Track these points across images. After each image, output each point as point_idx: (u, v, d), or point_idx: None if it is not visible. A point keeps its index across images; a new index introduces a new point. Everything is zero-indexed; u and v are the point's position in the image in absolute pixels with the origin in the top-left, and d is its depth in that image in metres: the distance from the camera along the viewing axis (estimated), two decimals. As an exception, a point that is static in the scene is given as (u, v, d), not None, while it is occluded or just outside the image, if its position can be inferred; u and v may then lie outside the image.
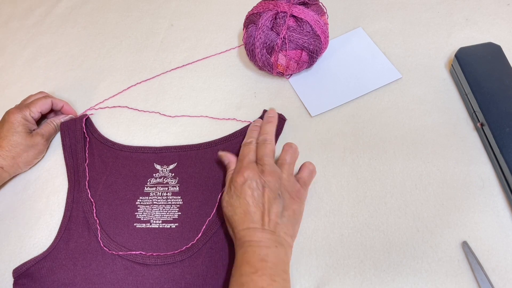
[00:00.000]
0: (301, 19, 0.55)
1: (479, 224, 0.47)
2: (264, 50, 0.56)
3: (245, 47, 0.59)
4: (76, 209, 0.53)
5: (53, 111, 0.62)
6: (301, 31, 0.55)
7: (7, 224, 0.55)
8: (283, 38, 0.54)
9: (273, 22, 0.55)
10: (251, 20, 0.57)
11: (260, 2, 0.58)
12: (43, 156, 0.60)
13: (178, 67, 0.66)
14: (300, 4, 0.56)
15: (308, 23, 0.55)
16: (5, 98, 0.68)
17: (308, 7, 0.56)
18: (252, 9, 0.59)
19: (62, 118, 0.61)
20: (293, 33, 0.54)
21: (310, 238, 0.49)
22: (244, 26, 0.59)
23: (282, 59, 0.56)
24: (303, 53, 0.56)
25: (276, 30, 0.55)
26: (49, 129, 0.60)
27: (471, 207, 0.48)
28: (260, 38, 0.55)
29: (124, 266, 0.49)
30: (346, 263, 0.47)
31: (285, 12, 0.55)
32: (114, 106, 0.63)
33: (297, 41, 0.54)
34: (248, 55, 0.59)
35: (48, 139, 0.60)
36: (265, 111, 0.58)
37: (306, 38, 0.55)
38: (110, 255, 0.50)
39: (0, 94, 0.69)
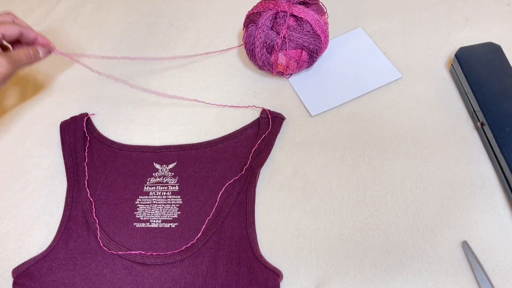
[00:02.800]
0: (301, 18, 0.55)
1: (479, 223, 0.47)
2: (264, 50, 0.56)
3: (245, 47, 0.59)
4: (75, 208, 0.53)
5: (20, 42, 0.52)
6: (301, 30, 0.55)
7: (6, 224, 0.55)
8: (283, 37, 0.54)
9: (273, 21, 0.55)
10: (251, 19, 0.57)
11: (260, 2, 0.58)
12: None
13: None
14: (300, 3, 0.56)
15: (308, 22, 0.55)
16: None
17: (308, 7, 0.56)
18: (252, 8, 0.59)
19: (39, 49, 0.53)
20: (293, 33, 0.54)
21: (310, 238, 0.49)
22: (244, 25, 0.59)
23: (282, 59, 0.56)
24: (303, 53, 0.56)
25: (276, 30, 0.55)
26: (19, 55, 0.49)
27: (471, 207, 0.48)
28: (260, 37, 0.55)
29: (124, 265, 0.49)
30: (346, 263, 0.47)
31: (285, 11, 0.55)
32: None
33: (297, 41, 0.54)
34: (248, 55, 0.59)
35: (13, 68, 0.49)
36: (263, 110, 0.57)
37: (306, 37, 0.54)
38: (109, 255, 0.49)
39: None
